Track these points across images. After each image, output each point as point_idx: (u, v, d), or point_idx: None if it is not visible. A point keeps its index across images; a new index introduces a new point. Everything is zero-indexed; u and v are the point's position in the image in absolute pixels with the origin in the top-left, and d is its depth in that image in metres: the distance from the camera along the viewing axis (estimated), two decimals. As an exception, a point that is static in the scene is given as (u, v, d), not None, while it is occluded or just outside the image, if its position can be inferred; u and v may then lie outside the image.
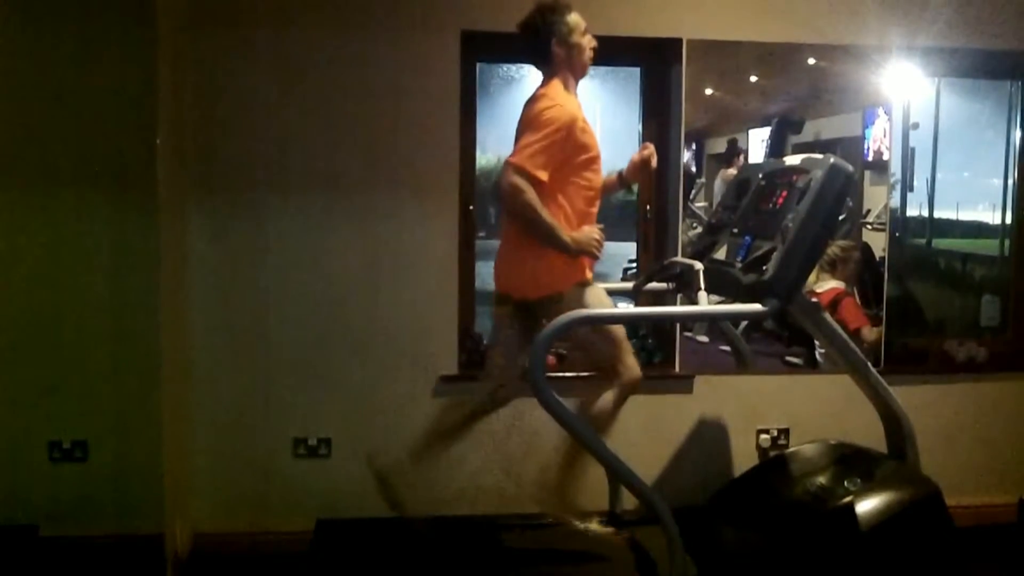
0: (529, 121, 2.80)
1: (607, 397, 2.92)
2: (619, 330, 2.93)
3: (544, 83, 2.91)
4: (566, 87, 2.90)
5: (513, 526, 3.37)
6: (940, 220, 4.76)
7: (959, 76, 4.11)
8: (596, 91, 4.82)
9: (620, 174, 3.14)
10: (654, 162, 3.08)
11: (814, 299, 3.78)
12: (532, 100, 2.89)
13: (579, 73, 2.95)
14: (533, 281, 2.86)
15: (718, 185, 3.90)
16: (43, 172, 3.29)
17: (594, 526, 3.11)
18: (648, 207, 3.84)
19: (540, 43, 2.89)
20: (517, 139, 2.86)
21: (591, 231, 2.83)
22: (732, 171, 3.86)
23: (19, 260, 3.31)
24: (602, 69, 3.04)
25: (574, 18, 2.90)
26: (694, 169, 3.87)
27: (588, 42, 2.93)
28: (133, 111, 3.21)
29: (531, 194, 2.70)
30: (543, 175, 2.72)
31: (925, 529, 2.92)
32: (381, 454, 3.07)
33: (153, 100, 3.13)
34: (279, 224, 3.49)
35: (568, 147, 2.77)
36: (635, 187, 3.81)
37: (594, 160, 2.87)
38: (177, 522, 3.27)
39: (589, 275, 2.93)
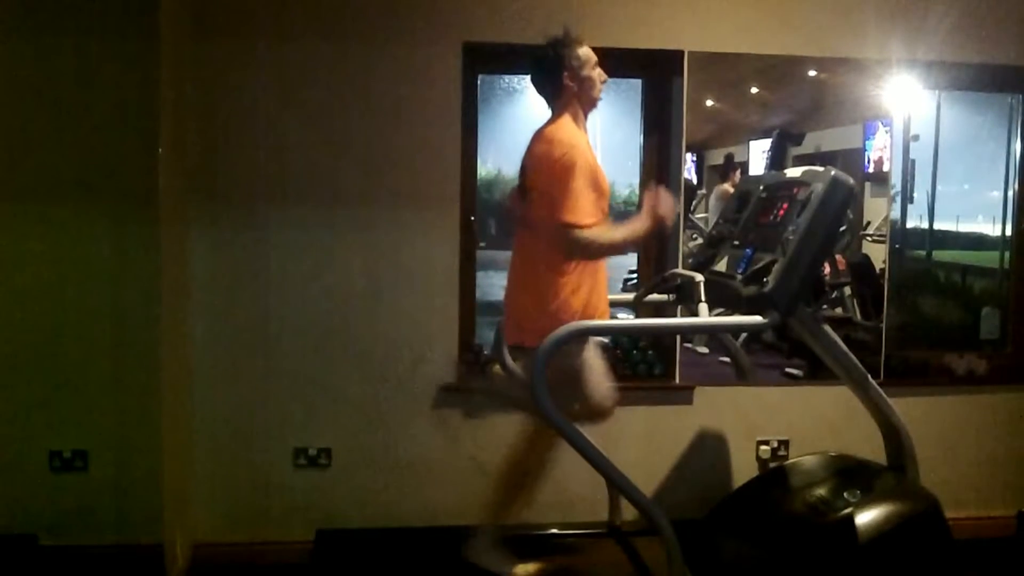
0: (553, 171, 2.74)
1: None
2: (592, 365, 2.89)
3: (554, 118, 2.90)
4: (575, 121, 2.89)
5: (513, 537, 3.37)
6: (940, 232, 4.77)
7: (960, 89, 4.11)
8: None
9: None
10: (666, 209, 2.85)
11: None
12: (545, 140, 2.84)
13: (589, 107, 2.94)
14: (540, 325, 2.75)
15: (713, 201, 3.91)
16: (45, 184, 3.30)
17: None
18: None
19: (551, 77, 2.88)
20: (526, 176, 2.84)
21: (660, 196, 2.80)
22: (727, 187, 3.87)
23: (20, 271, 3.32)
24: (603, 81, 3.03)
25: (585, 51, 2.89)
26: (695, 181, 3.88)
27: (599, 76, 2.92)
28: (135, 123, 3.23)
29: (595, 237, 2.70)
30: (592, 221, 2.71)
31: (924, 542, 2.93)
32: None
33: (154, 112, 3.13)
34: (280, 235, 3.50)
35: (593, 188, 2.76)
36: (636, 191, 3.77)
37: (604, 197, 2.84)
38: (177, 532, 3.27)
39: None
